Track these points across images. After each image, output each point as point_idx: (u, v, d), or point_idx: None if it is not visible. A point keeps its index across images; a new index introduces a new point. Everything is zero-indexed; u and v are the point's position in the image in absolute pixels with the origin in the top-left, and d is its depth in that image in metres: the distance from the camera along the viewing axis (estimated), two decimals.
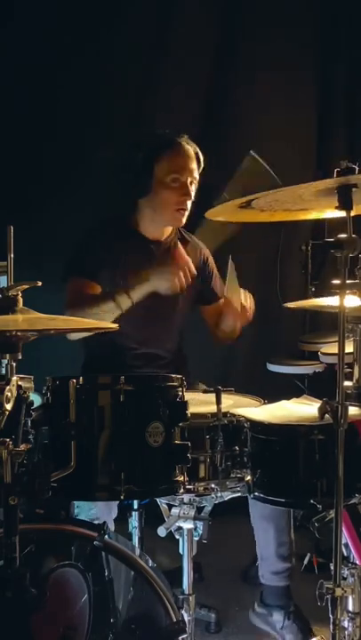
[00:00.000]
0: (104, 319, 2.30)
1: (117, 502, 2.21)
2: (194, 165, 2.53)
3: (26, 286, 1.63)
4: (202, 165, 2.56)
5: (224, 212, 1.97)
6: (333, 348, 1.92)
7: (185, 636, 1.74)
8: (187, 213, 2.55)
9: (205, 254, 2.77)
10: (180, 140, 2.53)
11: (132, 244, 2.57)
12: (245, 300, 2.53)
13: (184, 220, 2.57)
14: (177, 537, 2.02)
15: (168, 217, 2.56)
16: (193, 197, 2.54)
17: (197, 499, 1.96)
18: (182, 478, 1.80)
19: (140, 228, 2.61)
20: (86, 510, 2.16)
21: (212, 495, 1.94)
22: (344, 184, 1.70)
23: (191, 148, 2.54)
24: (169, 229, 2.65)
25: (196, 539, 2.00)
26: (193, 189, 2.53)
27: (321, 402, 1.70)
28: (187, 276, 2.36)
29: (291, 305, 2.33)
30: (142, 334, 2.56)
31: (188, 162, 2.52)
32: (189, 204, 2.53)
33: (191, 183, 2.52)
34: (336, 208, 1.74)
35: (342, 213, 1.73)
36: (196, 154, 2.55)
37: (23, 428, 1.58)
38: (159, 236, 2.63)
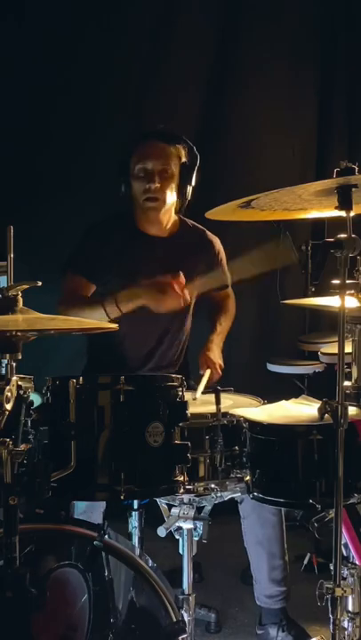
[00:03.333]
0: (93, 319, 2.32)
1: None
2: (167, 153, 2.50)
3: (26, 286, 1.63)
4: (192, 155, 2.54)
5: (224, 213, 1.97)
6: (333, 348, 1.92)
7: (185, 635, 1.74)
8: (161, 203, 2.51)
9: (216, 247, 2.75)
10: (154, 132, 2.52)
11: (133, 241, 2.58)
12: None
13: (161, 207, 2.52)
14: (177, 537, 2.02)
15: (141, 209, 2.55)
16: (166, 187, 2.49)
17: (197, 499, 1.96)
18: (182, 478, 1.80)
19: (140, 225, 2.61)
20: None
21: (212, 495, 1.94)
22: (344, 184, 1.70)
23: (173, 141, 2.51)
24: (170, 225, 2.64)
25: (196, 539, 2.00)
26: (167, 178, 2.49)
27: (321, 402, 1.71)
28: (179, 303, 2.36)
29: (288, 302, 2.34)
30: (147, 347, 2.60)
31: (154, 150, 2.50)
32: (160, 192, 2.49)
33: (162, 172, 2.48)
34: (336, 208, 1.74)
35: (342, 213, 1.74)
36: (185, 150, 2.52)
37: (23, 428, 1.58)
38: (160, 233, 2.63)
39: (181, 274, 2.37)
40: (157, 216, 2.56)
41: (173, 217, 2.65)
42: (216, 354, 2.59)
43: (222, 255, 2.77)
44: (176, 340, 2.66)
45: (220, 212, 1.97)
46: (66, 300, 2.45)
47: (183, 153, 2.54)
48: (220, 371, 2.54)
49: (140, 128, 3.33)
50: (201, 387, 2.24)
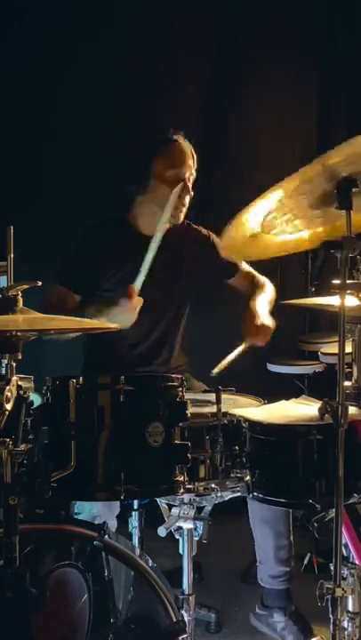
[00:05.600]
0: None
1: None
2: (191, 162, 2.57)
3: (26, 286, 1.63)
4: (195, 165, 2.59)
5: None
6: (333, 348, 1.92)
7: (185, 635, 1.74)
8: (185, 209, 2.57)
9: (213, 239, 2.73)
10: (176, 137, 2.57)
11: (129, 242, 2.57)
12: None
13: (182, 216, 2.59)
14: (177, 537, 2.02)
15: (167, 213, 2.53)
16: (191, 193, 2.57)
17: (197, 499, 1.96)
18: (182, 478, 1.80)
19: (137, 225, 2.63)
20: (88, 509, 2.17)
21: (212, 495, 1.94)
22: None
23: (187, 145, 2.57)
24: (167, 226, 2.64)
25: (196, 539, 2.00)
26: (191, 184, 2.56)
27: (321, 402, 1.70)
28: (131, 319, 2.37)
29: (288, 302, 2.34)
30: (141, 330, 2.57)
31: (185, 158, 2.56)
32: (188, 199, 2.56)
33: (189, 179, 2.55)
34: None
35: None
36: (192, 152, 2.59)
37: (23, 428, 1.58)
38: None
39: (133, 287, 2.36)
40: (179, 217, 2.59)
41: None
42: (259, 315, 2.56)
43: (218, 245, 2.69)
44: (169, 338, 2.66)
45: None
46: (49, 308, 2.45)
47: (195, 158, 2.60)
48: (266, 335, 2.53)
49: (140, 128, 3.34)
50: (228, 359, 2.25)
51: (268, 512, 2.40)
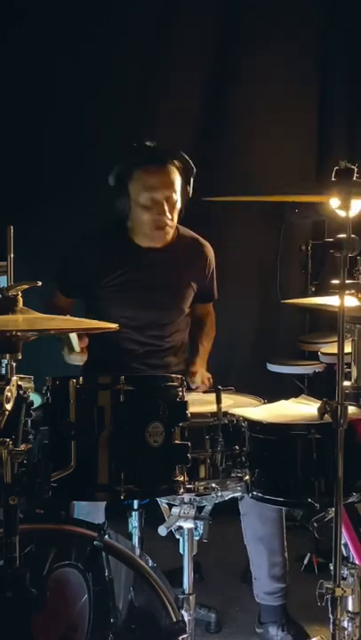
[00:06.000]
0: None
1: None
2: (172, 179, 2.44)
3: (26, 286, 1.63)
4: (188, 167, 2.48)
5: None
6: (333, 348, 1.92)
7: (185, 635, 1.74)
8: (170, 229, 2.50)
9: (207, 255, 2.70)
10: (153, 155, 2.45)
11: (125, 255, 2.55)
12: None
13: (168, 236, 2.51)
14: (177, 537, 2.02)
15: (148, 236, 2.52)
16: (173, 213, 2.47)
17: (198, 498, 1.96)
18: (182, 478, 1.80)
19: (133, 237, 2.56)
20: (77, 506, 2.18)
21: (213, 495, 1.94)
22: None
23: (172, 161, 2.45)
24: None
25: (197, 538, 2.00)
26: (174, 204, 2.46)
27: (321, 402, 1.71)
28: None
29: (288, 302, 2.34)
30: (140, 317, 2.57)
31: (162, 178, 2.44)
32: (170, 220, 2.47)
33: (169, 199, 2.44)
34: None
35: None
36: (181, 165, 2.47)
37: (23, 427, 1.58)
38: (153, 245, 2.56)
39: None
40: (164, 239, 2.53)
41: None
42: (203, 373, 2.60)
43: (213, 264, 2.72)
44: (170, 343, 2.65)
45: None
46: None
47: (183, 167, 2.48)
48: (207, 382, 2.57)
49: (140, 128, 3.34)
50: None
51: (261, 530, 2.40)
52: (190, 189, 2.52)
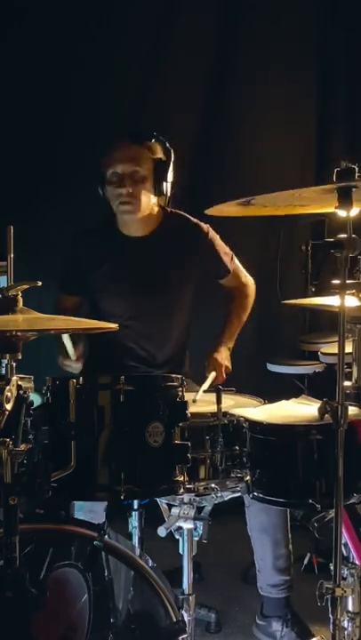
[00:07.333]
0: None
1: None
2: (139, 154, 2.49)
3: (26, 286, 1.63)
4: (166, 150, 2.52)
5: (225, 210, 1.96)
6: (333, 348, 1.92)
7: (185, 635, 1.74)
8: (136, 207, 2.50)
9: (201, 233, 2.65)
10: (121, 133, 2.54)
11: (113, 245, 2.60)
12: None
13: (136, 210, 2.51)
14: (177, 537, 2.02)
15: (117, 211, 2.55)
16: (137, 187, 2.47)
17: (197, 498, 1.96)
18: (182, 478, 1.80)
19: (120, 227, 2.62)
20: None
21: (213, 495, 1.94)
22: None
23: (144, 141, 2.50)
24: (147, 224, 2.60)
25: (196, 539, 2.00)
26: (141, 180, 2.47)
27: (321, 402, 1.70)
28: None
29: (288, 302, 2.34)
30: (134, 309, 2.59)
31: (124, 153, 2.49)
32: (133, 196, 2.47)
33: (133, 174, 2.47)
34: (336, 208, 1.74)
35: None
36: (147, 141, 2.50)
37: (23, 428, 1.58)
38: (138, 233, 2.60)
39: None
40: (134, 219, 2.55)
41: (155, 214, 2.61)
42: (223, 355, 2.59)
43: (213, 237, 2.67)
44: (167, 337, 2.65)
45: (220, 210, 1.97)
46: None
47: (158, 149, 2.52)
48: (224, 374, 2.54)
49: (140, 128, 3.34)
50: (203, 387, 2.24)
51: (266, 521, 2.39)
52: (170, 173, 2.53)
